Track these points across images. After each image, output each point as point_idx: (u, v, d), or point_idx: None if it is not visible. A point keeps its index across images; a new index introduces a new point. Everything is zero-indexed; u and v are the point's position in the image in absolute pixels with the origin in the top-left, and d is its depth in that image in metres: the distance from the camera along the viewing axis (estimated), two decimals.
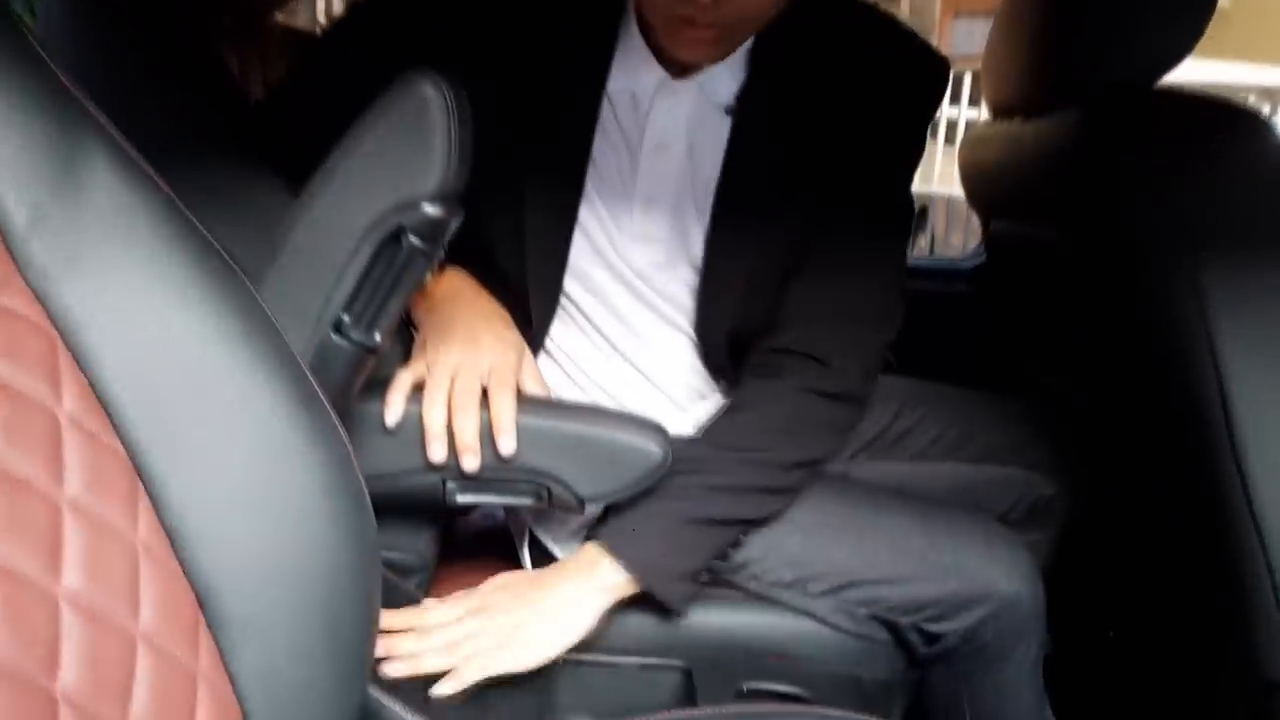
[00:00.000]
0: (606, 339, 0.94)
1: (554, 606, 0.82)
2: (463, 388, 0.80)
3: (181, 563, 0.50)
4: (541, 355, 0.95)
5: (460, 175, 0.70)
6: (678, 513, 0.83)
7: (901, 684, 0.92)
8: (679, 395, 0.97)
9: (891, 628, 0.89)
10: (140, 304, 0.50)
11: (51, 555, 0.43)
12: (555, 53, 0.84)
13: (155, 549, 0.48)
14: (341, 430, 0.57)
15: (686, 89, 0.86)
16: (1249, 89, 5.60)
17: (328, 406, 0.57)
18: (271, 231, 0.71)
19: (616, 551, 0.82)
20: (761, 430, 0.86)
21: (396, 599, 0.87)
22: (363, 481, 0.57)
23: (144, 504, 0.49)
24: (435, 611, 0.81)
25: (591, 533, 0.85)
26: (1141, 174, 0.91)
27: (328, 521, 0.54)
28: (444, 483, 0.81)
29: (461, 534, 1.05)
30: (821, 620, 0.89)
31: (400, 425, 0.79)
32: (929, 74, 0.90)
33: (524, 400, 0.81)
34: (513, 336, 0.87)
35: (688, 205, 0.89)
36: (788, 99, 0.86)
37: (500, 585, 0.84)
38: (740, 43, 0.84)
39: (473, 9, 0.84)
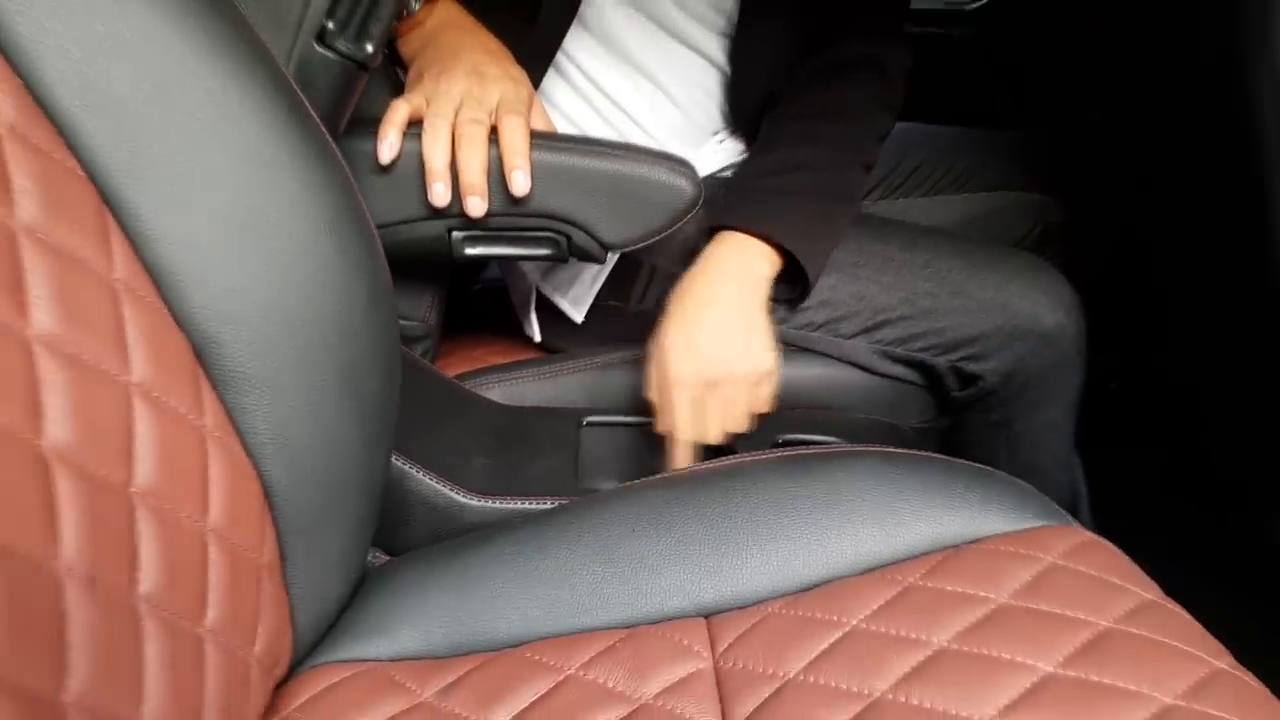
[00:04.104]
0: (627, 54, 0.86)
1: (740, 320, 0.76)
2: (468, 118, 0.70)
3: (170, 306, 0.42)
4: (551, 74, 0.86)
5: None
6: (806, 187, 0.80)
7: (937, 433, 0.89)
8: (703, 123, 0.90)
9: (927, 370, 0.85)
10: None
11: (13, 294, 0.35)
12: None
13: (138, 289, 0.41)
14: (338, 153, 0.49)
15: None
16: None
17: (320, 124, 0.48)
18: None
19: (769, 232, 0.77)
20: (836, 113, 0.85)
21: (411, 372, 0.81)
22: (367, 210, 0.49)
23: (116, 236, 0.41)
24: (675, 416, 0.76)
25: (718, 222, 0.80)
26: None
27: (334, 254, 0.46)
28: (449, 233, 0.73)
29: (457, 303, 0.98)
30: (854, 364, 0.85)
31: (396, 165, 0.70)
32: None
33: (537, 135, 0.72)
34: (520, 73, 0.76)
35: None
36: None
37: (676, 350, 0.75)
38: None
39: None
